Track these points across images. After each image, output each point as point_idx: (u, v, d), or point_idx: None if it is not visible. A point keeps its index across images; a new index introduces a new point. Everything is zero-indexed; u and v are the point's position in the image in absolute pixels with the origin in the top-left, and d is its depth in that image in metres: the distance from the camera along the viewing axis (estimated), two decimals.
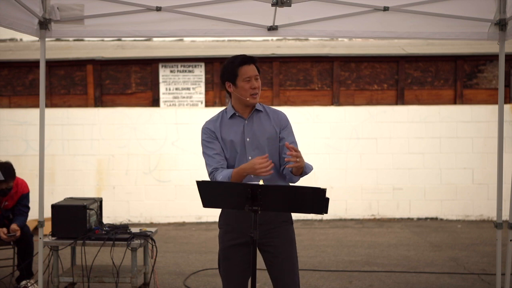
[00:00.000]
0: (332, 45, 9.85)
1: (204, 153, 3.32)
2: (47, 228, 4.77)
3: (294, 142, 3.34)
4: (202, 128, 3.36)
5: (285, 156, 3.20)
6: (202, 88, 9.26)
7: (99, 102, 9.27)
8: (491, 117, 8.88)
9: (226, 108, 3.40)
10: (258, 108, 3.35)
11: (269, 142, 3.30)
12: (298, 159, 3.06)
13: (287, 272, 3.26)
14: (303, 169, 3.16)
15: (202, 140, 3.33)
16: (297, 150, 3.08)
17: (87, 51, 9.59)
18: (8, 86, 9.37)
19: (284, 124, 3.36)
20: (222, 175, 3.17)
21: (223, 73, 3.34)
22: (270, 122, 3.34)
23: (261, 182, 2.90)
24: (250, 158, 3.23)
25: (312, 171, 3.29)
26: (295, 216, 3.44)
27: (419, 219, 9.15)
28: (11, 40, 10.29)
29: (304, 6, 4.30)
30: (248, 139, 3.29)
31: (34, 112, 8.77)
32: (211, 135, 3.31)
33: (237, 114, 3.33)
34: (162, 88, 9.27)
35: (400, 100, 9.28)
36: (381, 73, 9.36)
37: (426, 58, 9.33)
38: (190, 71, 9.26)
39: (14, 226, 5.27)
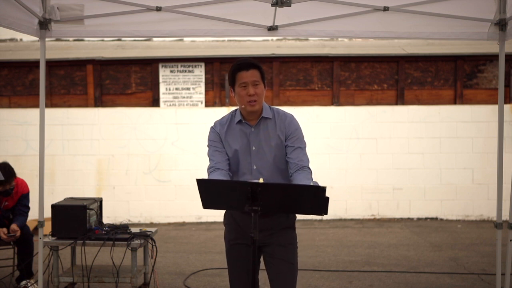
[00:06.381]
0: (332, 45, 9.84)
1: (208, 152, 3.28)
2: (47, 228, 4.77)
3: (301, 148, 3.20)
4: (211, 128, 3.31)
5: (288, 159, 3.16)
6: (202, 88, 9.26)
7: (99, 102, 9.27)
8: (491, 117, 8.88)
9: (236, 110, 3.29)
10: (266, 116, 3.22)
11: (274, 149, 3.20)
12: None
13: (284, 274, 3.23)
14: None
15: (208, 139, 3.28)
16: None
17: (87, 51, 9.59)
18: (8, 86, 9.37)
19: (289, 132, 3.21)
20: (211, 177, 3.12)
21: (228, 78, 3.28)
22: (275, 130, 3.21)
23: (261, 180, 2.89)
24: (255, 167, 3.15)
25: (312, 171, 3.25)
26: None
27: (419, 219, 9.15)
28: (11, 40, 10.29)
29: (304, 6, 4.30)
30: (254, 148, 3.20)
31: (34, 112, 8.78)
32: (216, 137, 3.26)
33: (243, 121, 3.23)
34: (162, 88, 9.27)
35: (400, 100, 9.28)
36: (381, 73, 9.36)
37: (426, 58, 9.33)
38: (190, 71, 9.26)
39: (14, 226, 5.27)
